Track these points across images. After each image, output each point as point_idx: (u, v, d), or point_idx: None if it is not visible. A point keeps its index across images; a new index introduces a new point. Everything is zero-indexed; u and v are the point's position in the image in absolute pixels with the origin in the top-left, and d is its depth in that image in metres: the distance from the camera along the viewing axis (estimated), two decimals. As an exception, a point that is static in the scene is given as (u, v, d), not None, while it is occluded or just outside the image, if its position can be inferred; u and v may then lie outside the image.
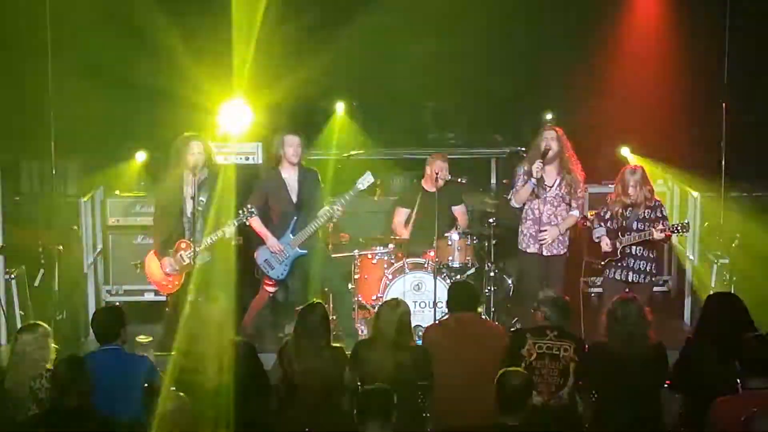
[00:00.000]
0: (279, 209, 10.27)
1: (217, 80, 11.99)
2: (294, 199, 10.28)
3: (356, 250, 10.77)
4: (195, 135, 9.98)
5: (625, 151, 12.15)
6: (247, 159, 11.87)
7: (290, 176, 10.30)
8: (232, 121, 11.22)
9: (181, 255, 9.90)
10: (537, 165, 9.84)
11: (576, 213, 10.06)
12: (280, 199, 10.25)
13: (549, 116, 12.67)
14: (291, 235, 10.22)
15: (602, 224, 9.82)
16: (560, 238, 10.07)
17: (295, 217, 10.23)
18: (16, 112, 11.17)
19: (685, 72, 11.95)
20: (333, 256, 10.78)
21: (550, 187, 10.00)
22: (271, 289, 10.48)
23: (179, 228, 9.95)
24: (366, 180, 10.23)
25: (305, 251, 10.25)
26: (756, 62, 11.68)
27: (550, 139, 9.94)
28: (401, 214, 11.04)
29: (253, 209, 9.94)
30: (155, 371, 7.76)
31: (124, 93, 11.98)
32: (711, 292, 10.48)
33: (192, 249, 9.76)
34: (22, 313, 10.35)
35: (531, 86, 12.65)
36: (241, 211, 9.90)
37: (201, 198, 9.86)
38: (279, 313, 10.90)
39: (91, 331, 9.41)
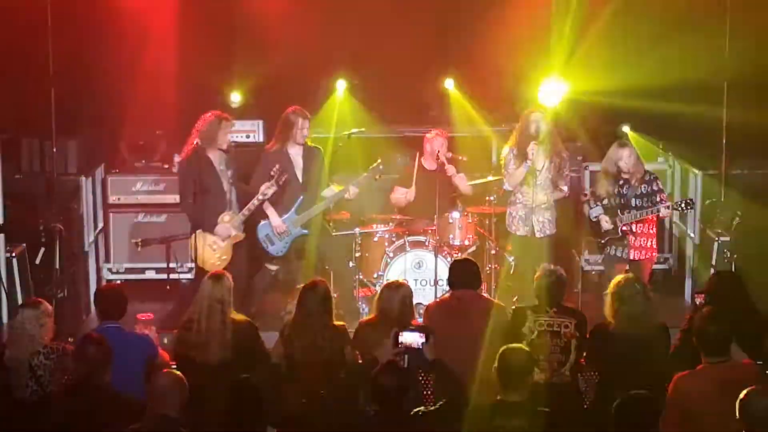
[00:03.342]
0: (285, 187, 10.25)
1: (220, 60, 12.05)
2: (300, 177, 10.28)
3: (357, 228, 10.78)
4: (226, 116, 10.03)
5: (625, 128, 12.12)
6: (248, 137, 11.90)
7: (296, 153, 10.29)
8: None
9: (227, 227, 9.93)
10: (532, 147, 9.82)
11: (565, 189, 10.12)
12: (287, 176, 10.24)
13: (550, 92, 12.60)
14: (295, 214, 10.21)
15: (599, 203, 9.80)
16: (549, 218, 10.06)
17: (301, 196, 10.22)
18: (17, 89, 11.14)
19: (686, 50, 11.91)
20: (334, 234, 10.78)
21: (540, 170, 9.99)
22: (272, 267, 10.47)
23: (220, 203, 9.96)
24: (377, 169, 10.29)
25: (306, 231, 10.24)
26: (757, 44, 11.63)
27: (539, 121, 9.94)
28: (398, 191, 11.03)
29: (283, 171, 9.93)
30: (156, 349, 7.78)
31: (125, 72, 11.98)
32: (712, 271, 10.53)
33: (236, 220, 9.90)
34: (23, 292, 10.35)
35: (532, 63, 12.59)
36: (273, 172, 9.90)
37: (228, 172, 9.96)
38: (280, 291, 10.91)
39: (92, 309, 9.45)
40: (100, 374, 6.85)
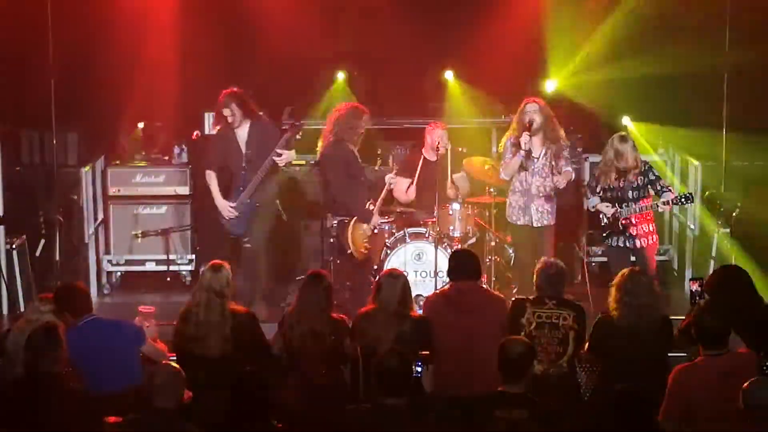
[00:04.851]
0: (231, 165, 10.26)
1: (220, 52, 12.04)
2: (243, 150, 10.19)
3: (357, 220, 10.76)
4: (362, 107, 10.33)
5: (625, 120, 12.12)
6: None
7: (242, 130, 10.24)
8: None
9: (376, 215, 10.17)
10: (524, 138, 9.81)
11: (569, 169, 10.05)
12: (230, 154, 10.23)
13: (550, 85, 12.62)
14: (242, 190, 10.16)
15: (594, 195, 9.79)
16: (549, 208, 10.04)
17: (243, 172, 10.17)
18: (17, 81, 11.14)
19: (687, 40, 11.90)
20: (333, 225, 10.78)
21: (537, 158, 9.97)
22: (249, 245, 10.31)
23: (365, 190, 10.19)
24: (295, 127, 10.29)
25: (256, 200, 10.18)
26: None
27: (533, 112, 9.91)
28: (401, 183, 11.02)
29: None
30: (142, 333, 7.75)
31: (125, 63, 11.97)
32: (711, 262, 10.55)
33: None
34: (24, 284, 10.36)
35: (532, 54, 12.60)
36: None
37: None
38: (280, 282, 10.92)
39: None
40: (47, 363, 6.73)
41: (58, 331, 6.88)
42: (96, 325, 7.60)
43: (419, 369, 7.14)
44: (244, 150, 10.22)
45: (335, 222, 10.23)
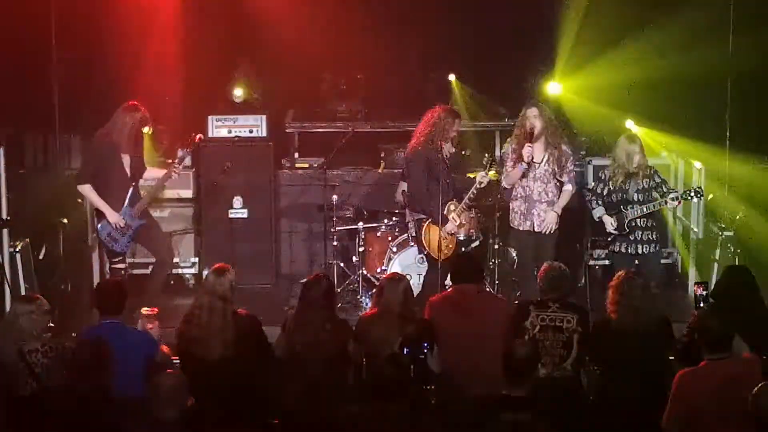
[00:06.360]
0: (113, 179, 10.03)
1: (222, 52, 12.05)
2: (128, 169, 10.03)
3: (360, 223, 10.77)
4: (454, 110, 10.18)
5: (629, 123, 12.10)
6: (251, 132, 11.87)
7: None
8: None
9: (453, 216, 9.94)
10: (527, 150, 9.71)
11: (569, 187, 9.96)
12: (113, 168, 10.00)
13: (553, 87, 12.60)
14: (129, 207, 10.01)
15: (600, 202, 9.76)
16: None
17: (131, 188, 10.03)
18: (20, 84, 11.14)
19: (688, 42, 11.90)
20: (337, 228, 10.80)
21: (539, 164, 9.92)
22: (122, 266, 10.25)
23: (444, 193, 9.95)
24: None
25: (144, 221, 10.09)
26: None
27: (533, 117, 9.85)
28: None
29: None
30: (156, 346, 7.76)
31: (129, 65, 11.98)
32: (715, 266, 10.54)
33: (459, 210, 9.93)
34: (27, 286, 10.35)
35: (534, 58, 12.60)
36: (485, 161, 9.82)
37: None
38: (281, 286, 10.92)
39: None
40: (95, 378, 6.73)
41: (106, 349, 6.86)
42: (111, 330, 7.57)
43: (425, 351, 7.12)
44: (128, 166, 10.01)
45: (412, 219, 10.12)
